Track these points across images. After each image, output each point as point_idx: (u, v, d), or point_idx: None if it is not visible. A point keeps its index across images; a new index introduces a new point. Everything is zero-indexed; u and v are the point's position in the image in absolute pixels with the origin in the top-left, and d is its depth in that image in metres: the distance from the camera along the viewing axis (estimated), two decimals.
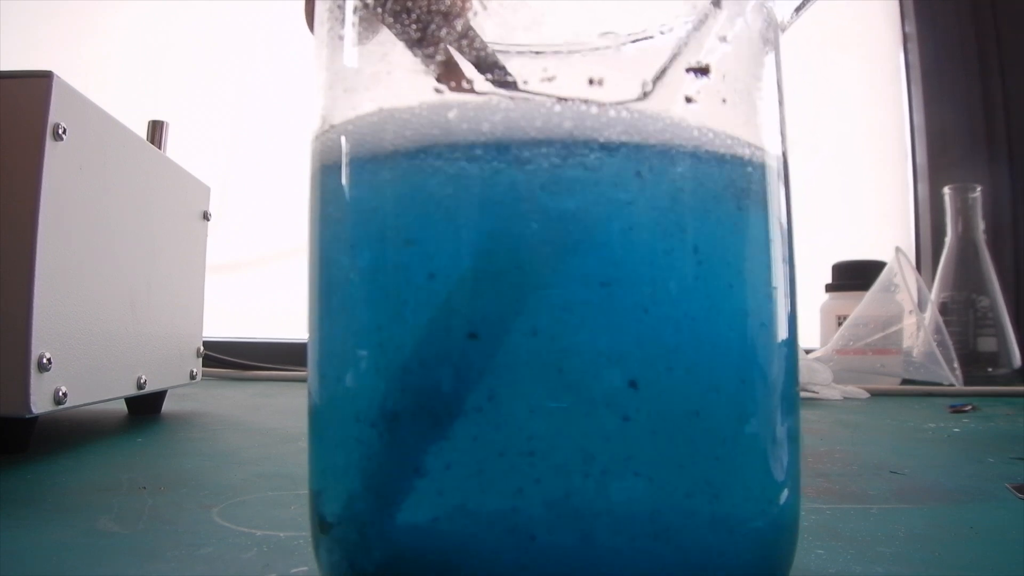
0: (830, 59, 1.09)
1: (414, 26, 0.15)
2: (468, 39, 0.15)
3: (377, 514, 0.15)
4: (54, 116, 0.32)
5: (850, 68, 1.13)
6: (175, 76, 1.14)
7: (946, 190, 0.94)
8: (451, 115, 0.14)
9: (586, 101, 0.14)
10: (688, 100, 0.15)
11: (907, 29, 1.15)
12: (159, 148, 0.49)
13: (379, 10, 0.15)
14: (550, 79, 0.14)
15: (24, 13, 1.10)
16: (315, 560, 0.17)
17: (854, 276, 0.93)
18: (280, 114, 1.13)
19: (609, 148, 0.14)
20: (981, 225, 0.92)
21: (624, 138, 0.14)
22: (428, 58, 0.15)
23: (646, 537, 0.14)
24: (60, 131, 0.32)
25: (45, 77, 0.32)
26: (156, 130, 0.50)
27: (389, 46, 0.15)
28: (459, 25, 0.15)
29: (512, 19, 0.15)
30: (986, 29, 1.10)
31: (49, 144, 0.32)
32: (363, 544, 0.15)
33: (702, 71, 0.15)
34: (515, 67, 0.14)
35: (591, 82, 0.14)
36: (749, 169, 0.15)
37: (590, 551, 0.14)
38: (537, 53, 0.14)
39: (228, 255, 1.08)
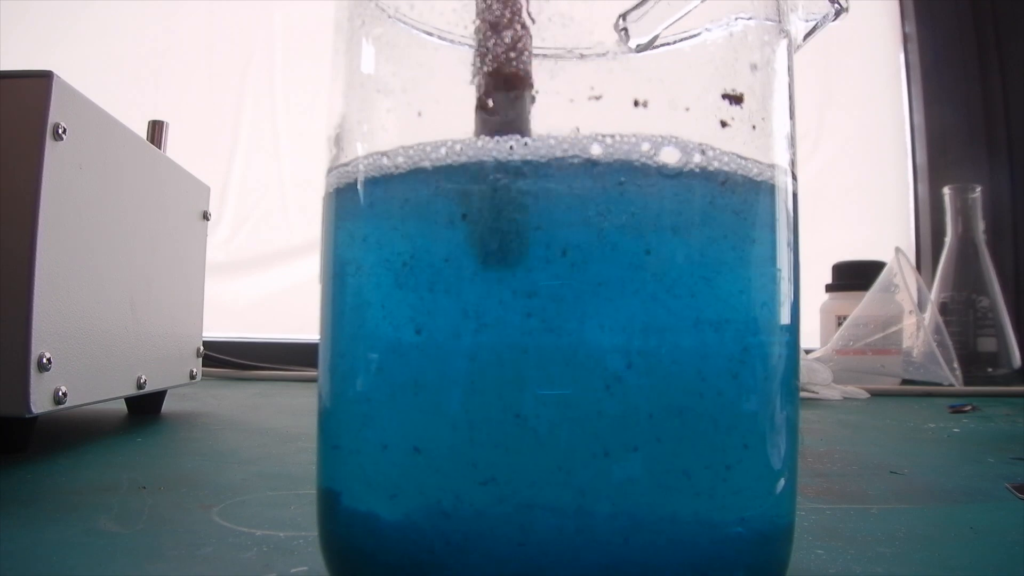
0: (830, 59, 1.09)
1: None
2: (516, 52, 0.15)
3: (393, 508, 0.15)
4: (54, 116, 0.32)
5: (850, 68, 1.13)
6: (175, 76, 1.13)
7: (946, 190, 0.94)
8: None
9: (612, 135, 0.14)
10: (723, 124, 0.15)
11: (907, 29, 1.15)
12: (159, 148, 0.48)
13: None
14: (597, 97, 0.14)
15: (24, 13, 1.10)
16: (321, 557, 0.17)
17: (854, 276, 0.93)
18: (281, 114, 1.13)
19: (641, 168, 0.14)
20: (981, 225, 0.92)
21: (660, 159, 0.14)
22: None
23: (641, 532, 0.14)
24: (60, 131, 0.32)
25: (45, 77, 0.32)
26: (156, 130, 0.50)
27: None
28: (508, 37, 0.15)
29: (561, 35, 0.15)
30: (986, 29, 1.10)
31: (49, 144, 0.31)
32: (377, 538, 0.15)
33: (736, 99, 0.15)
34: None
35: (636, 103, 0.14)
36: (762, 182, 0.16)
37: (586, 547, 0.14)
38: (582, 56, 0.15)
39: (228, 255, 1.08)
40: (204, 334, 0.53)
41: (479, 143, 0.14)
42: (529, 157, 0.14)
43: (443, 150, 0.15)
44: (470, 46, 0.15)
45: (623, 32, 0.14)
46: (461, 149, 0.15)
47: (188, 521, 0.23)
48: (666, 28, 0.14)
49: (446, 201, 0.15)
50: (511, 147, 0.14)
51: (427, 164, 0.15)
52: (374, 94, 0.16)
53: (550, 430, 0.14)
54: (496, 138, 0.14)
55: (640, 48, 0.14)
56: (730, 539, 0.15)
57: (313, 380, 0.36)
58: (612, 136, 0.14)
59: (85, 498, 0.26)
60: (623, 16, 0.14)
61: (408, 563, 0.14)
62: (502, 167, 0.14)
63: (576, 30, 0.15)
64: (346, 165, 0.16)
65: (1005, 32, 1.09)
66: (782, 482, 0.16)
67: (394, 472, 0.15)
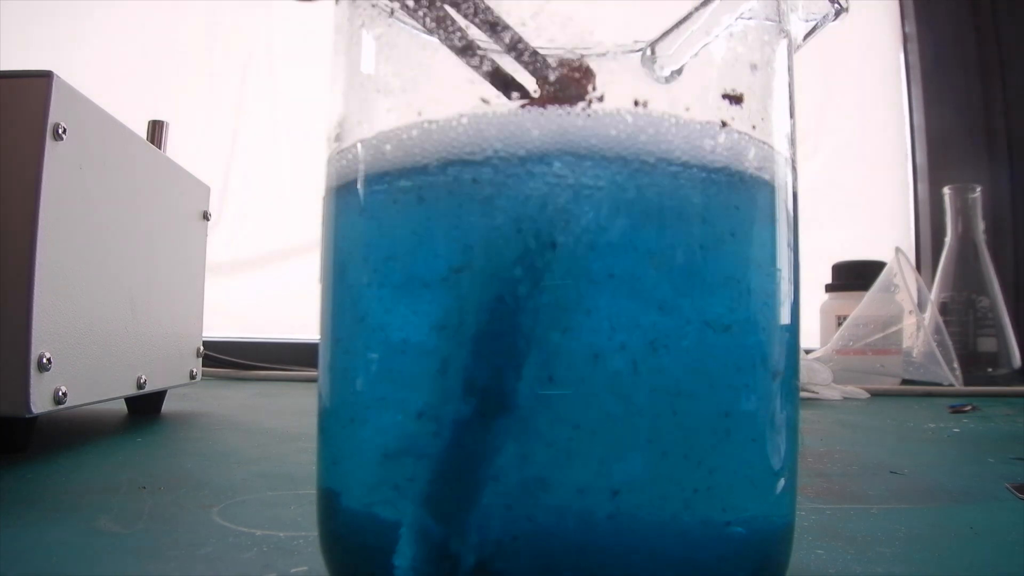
0: (830, 59, 1.09)
1: (457, 34, 0.15)
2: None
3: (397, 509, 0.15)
4: (54, 116, 0.32)
5: (850, 68, 1.13)
6: (175, 76, 1.13)
7: (946, 190, 0.94)
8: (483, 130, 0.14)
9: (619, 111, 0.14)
10: (723, 124, 0.15)
11: (907, 29, 1.15)
12: (159, 148, 0.48)
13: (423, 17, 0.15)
14: (598, 98, 0.14)
15: (24, 13, 1.10)
16: (321, 557, 0.17)
17: (854, 276, 0.93)
18: (280, 113, 1.13)
19: (644, 161, 0.14)
20: (981, 225, 0.92)
21: (662, 153, 0.14)
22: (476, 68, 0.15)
23: (641, 532, 0.14)
24: (60, 131, 0.32)
25: (45, 77, 0.32)
26: (156, 130, 0.50)
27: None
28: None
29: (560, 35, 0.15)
30: (986, 29, 1.10)
31: (49, 144, 0.31)
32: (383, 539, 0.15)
33: (736, 99, 0.15)
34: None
35: (636, 103, 0.14)
36: (765, 176, 0.16)
37: (585, 546, 0.14)
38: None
39: (228, 255, 1.08)
40: (204, 334, 0.53)
41: (459, 122, 0.14)
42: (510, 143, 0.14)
43: (450, 132, 0.15)
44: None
45: (652, 62, 0.14)
46: (456, 125, 0.15)
47: (188, 521, 0.23)
48: (695, 54, 0.15)
49: (449, 195, 0.15)
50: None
51: (429, 157, 0.15)
52: (374, 94, 0.16)
53: (550, 430, 0.14)
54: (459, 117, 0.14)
55: (670, 78, 0.14)
56: (730, 539, 0.15)
57: (313, 380, 0.37)
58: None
59: (85, 498, 0.26)
60: (651, 46, 0.14)
61: (408, 563, 0.14)
62: (497, 155, 0.14)
63: (576, 30, 0.15)
64: (345, 160, 0.16)
65: (1005, 32, 1.09)
66: (782, 482, 0.16)
67: (394, 472, 0.15)
